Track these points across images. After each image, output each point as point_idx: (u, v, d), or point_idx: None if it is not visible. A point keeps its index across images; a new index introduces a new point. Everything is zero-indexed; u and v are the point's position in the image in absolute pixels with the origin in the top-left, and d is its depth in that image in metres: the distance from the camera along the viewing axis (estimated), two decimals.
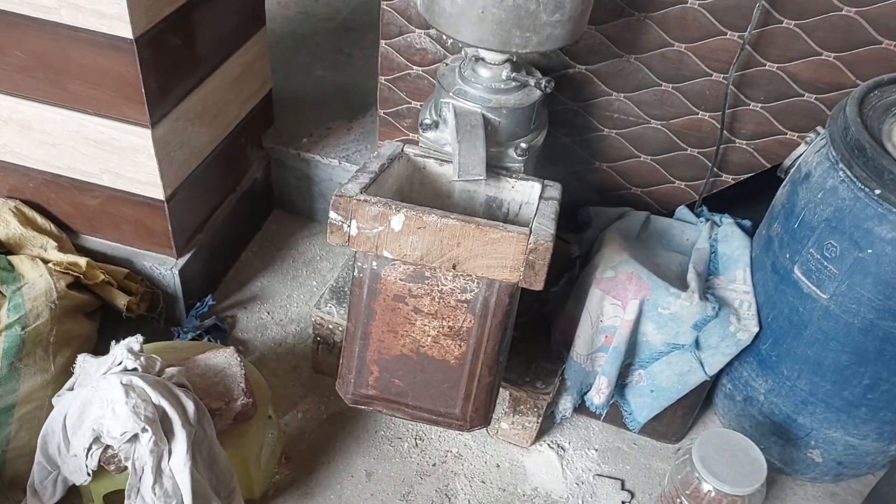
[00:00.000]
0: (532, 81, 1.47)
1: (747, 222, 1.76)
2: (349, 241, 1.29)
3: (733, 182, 1.80)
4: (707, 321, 1.52)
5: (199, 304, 1.87)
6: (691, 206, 1.84)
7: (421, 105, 1.90)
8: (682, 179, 1.83)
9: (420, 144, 1.59)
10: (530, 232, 1.25)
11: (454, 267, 1.27)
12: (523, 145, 1.54)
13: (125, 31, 1.43)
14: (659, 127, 1.77)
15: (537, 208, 1.37)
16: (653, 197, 1.89)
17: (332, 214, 1.27)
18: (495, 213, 1.57)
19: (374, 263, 1.32)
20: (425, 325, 1.34)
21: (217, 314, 1.94)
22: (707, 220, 1.78)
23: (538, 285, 1.26)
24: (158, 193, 1.68)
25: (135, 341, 1.42)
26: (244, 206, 2.05)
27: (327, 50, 2.55)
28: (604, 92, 1.76)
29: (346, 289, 1.78)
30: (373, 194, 1.34)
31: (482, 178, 1.44)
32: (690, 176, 1.82)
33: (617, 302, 1.57)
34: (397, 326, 1.35)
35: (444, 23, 1.37)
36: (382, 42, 1.83)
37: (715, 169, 1.77)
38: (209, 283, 1.98)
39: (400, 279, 1.32)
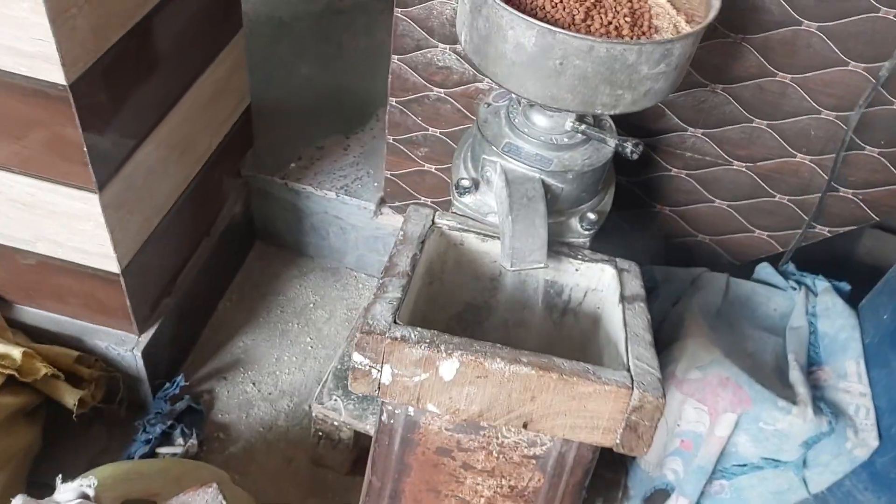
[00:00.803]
0: (610, 142, 1.10)
1: (846, 286, 1.43)
2: (380, 390, 0.93)
3: (829, 235, 1.47)
4: (820, 438, 1.21)
5: (168, 384, 1.51)
6: (773, 262, 1.51)
7: (440, 133, 1.53)
8: (764, 229, 1.50)
9: (453, 209, 1.22)
10: (632, 382, 0.91)
11: (525, 426, 0.93)
12: (591, 216, 1.18)
13: (55, 75, 1.03)
14: (742, 169, 1.42)
15: (625, 324, 1.03)
16: (724, 246, 1.55)
17: (357, 357, 0.92)
18: (553, 301, 1.22)
19: (411, 410, 0.97)
20: (478, 485, 1.01)
21: (191, 389, 1.58)
22: (797, 282, 1.45)
23: (641, 451, 0.93)
24: (112, 266, 1.30)
25: (88, 486, 1.06)
26: (220, 250, 1.67)
27: (313, 39, 2.13)
28: (677, 126, 1.40)
29: None
30: (407, 313, 0.98)
31: (542, 265, 1.09)
32: (773, 225, 1.48)
33: (702, 407, 1.25)
34: (440, 485, 1.01)
35: (501, 73, 1.00)
36: (395, 58, 1.44)
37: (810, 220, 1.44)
38: (180, 352, 1.61)
39: (446, 429, 0.98)
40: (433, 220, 1.18)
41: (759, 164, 1.40)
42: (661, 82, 0.98)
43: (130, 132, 1.23)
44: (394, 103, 1.51)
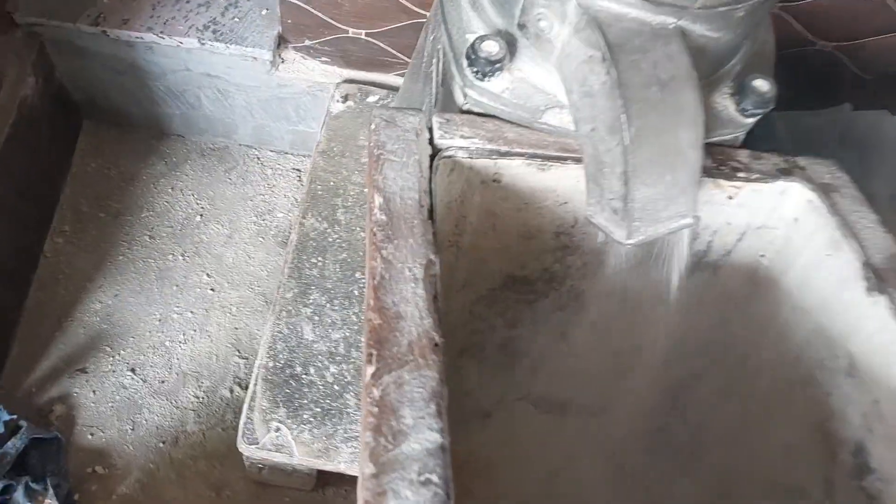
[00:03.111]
0: None
1: None
2: None
3: None
4: None
5: None
6: None
7: None
8: None
9: (465, 103, 0.57)
10: None
11: None
12: (761, 84, 0.56)
13: None
14: None
15: None
16: (855, 53, 0.96)
17: None
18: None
19: None
20: None
21: (31, 402, 0.97)
22: None
23: None
24: None
25: None
26: (16, 164, 0.97)
27: None
28: None
29: (299, 365, 0.84)
30: None
31: (690, 222, 0.50)
32: None
33: None
34: None
35: None
36: None
37: None
38: None
39: None
40: (432, 143, 0.54)
41: None
42: None
43: None
44: None
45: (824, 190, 0.57)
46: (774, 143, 0.88)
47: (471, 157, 0.55)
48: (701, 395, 0.73)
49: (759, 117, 0.57)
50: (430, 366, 0.39)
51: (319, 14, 0.96)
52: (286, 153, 1.21)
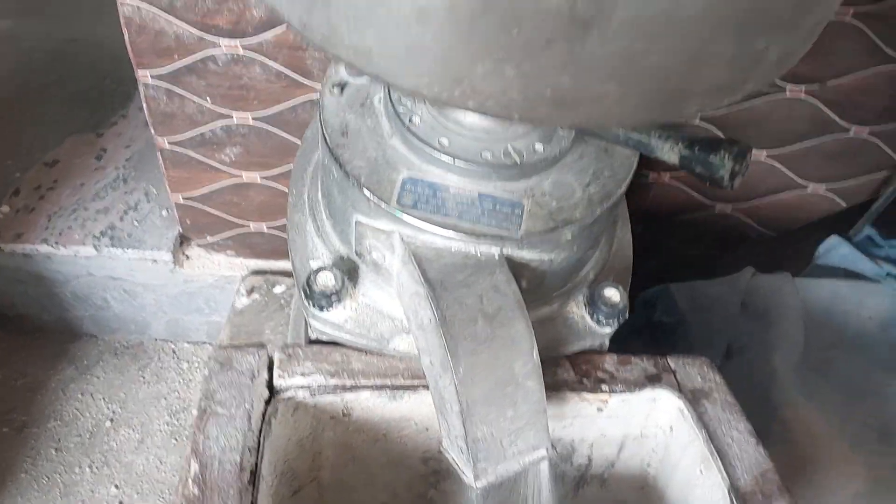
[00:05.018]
0: (664, 151, 0.44)
1: None
2: None
3: None
4: None
5: None
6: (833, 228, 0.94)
7: (253, 119, 0.82)
8: (822, 181, 0.91)
9: (311, 330, 0.55)
10: None
11: None
12: (612, 295, 0.54)
13: None
14: (801, 95, 0.81)
15: None
16: (756, 214, 0.96)
17: None
18: (559, 468, 0.59)
19: None
20: None
21: None
22: (893, 262, 0.89)
23: None
24: None
25: None
26: None
27: None
28: None
29: None
30: None
31: (545, 454, 0.47)
32: (841, 173, 0.90)
33: None
34: None
35: (375, 50, 0.31)
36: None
37: None
38: None
39: None
40: (270, 386, 0.51)
41: (830, 82, 0.79)
42: (793, 45, 0.34)
43: None
44: (150, 79, 0.79)
45: (694, 396, 0.54)
46: (675, 316, 0.86)
47: (313, 395, 0.51)
48: None
49: (616, 322, 0.55)
50: None
51: (217, 213, 0.95)
52: (205, 343, 1.17)
